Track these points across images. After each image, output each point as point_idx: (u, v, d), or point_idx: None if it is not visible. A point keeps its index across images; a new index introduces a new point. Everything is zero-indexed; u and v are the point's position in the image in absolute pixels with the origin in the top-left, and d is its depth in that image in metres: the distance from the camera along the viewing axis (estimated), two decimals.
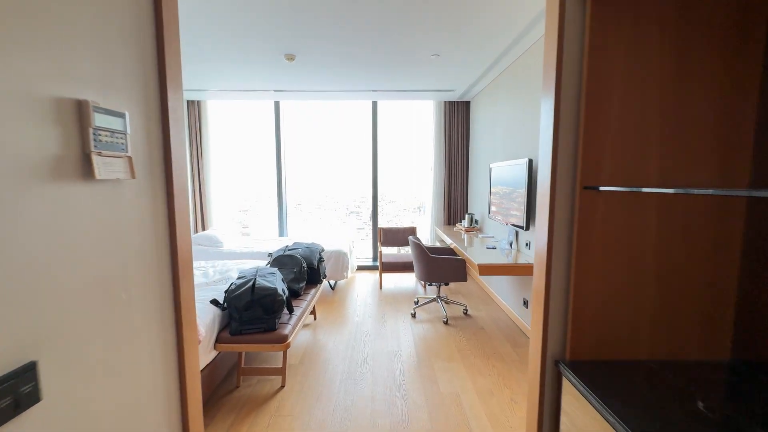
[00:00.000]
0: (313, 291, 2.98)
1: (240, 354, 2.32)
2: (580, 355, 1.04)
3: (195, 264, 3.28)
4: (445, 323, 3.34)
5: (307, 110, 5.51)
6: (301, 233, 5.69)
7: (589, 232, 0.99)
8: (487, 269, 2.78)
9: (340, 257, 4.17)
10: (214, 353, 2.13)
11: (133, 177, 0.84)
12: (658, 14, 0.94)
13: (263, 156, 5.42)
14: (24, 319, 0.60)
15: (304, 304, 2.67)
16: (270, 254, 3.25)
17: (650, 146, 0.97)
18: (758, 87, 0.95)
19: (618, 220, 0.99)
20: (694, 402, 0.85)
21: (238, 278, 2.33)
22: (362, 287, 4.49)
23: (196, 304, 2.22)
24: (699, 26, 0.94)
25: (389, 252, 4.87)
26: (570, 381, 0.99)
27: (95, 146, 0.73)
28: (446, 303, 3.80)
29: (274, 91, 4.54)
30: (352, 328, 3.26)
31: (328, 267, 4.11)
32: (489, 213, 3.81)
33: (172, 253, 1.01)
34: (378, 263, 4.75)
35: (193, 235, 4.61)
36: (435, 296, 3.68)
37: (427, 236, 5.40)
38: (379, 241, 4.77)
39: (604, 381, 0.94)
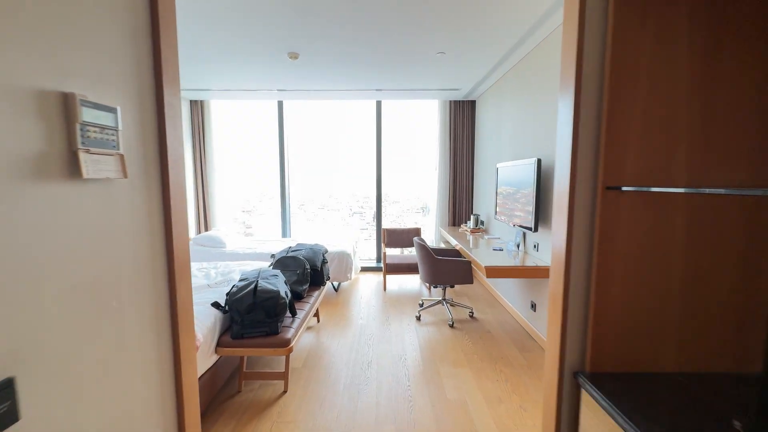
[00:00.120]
0: (316, 293, 2.93)
1: (242, 358, 2.27)
2: (601, 367, 0.97)
3: (197, 265, 3.24)
4: (451, 326, 3.27)
5: (310, 110, 5.46)
6: (305, 234, 5.64)
7: (612, 234, 0.93)
8: (495, 272, 2.72)
9: (344, 258, 4.12)
10: (215, 357, 2.08)
11: (125, 176, 0.78)
12: (688, 2, 0.88)
13: (267, 156, 5.39)
14: (0, 331, 0.55)
15: (307, 306, 2.62)
16: (273, 255, 3.20)
17: (678, 144, 0.91)
18: None
19: (642, 222, 0.93)
20: (728, 420, 0.78)
21: (240, 280, 2.28)
22: (366, 289, 4.43)
23: (197, 307, 2.18)
24: (732, 16, 0.88)
25: (393, 253, 4.81)
26: (590, 394, 0.92)
27: (83, 143, 0.68)
28: (451, 305, 3.73)
29: (278, 90, 4.50)
30: (356, 330, 3.21)
31: (331, 268, 4.05)
32: (495, 214, 3.75)
33: (169, 256, 0.95)
34: (382, 264, 4.70)
35: (195, 236, 4.58)
36: (440, 299, 3.62)
37: (431, 237, 5.34)
38: (383, 242, 4.71)
39: (627, 395, 0.87)
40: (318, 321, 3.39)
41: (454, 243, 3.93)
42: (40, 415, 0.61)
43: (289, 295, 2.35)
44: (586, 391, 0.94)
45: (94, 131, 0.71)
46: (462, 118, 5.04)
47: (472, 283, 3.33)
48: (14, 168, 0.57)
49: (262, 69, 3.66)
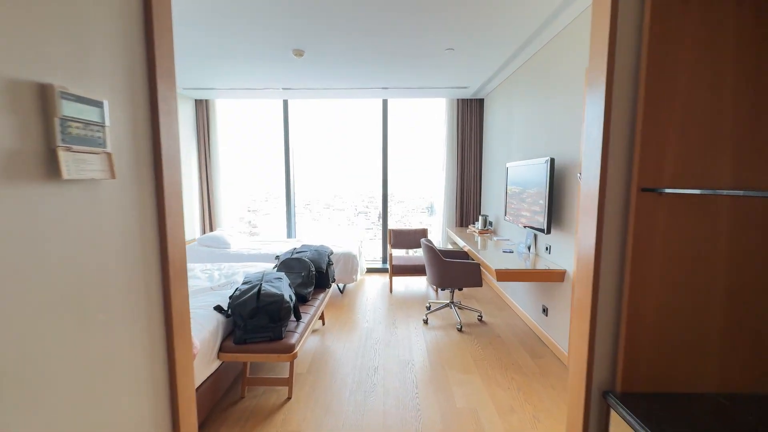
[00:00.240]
0: (321, 296, 2.86)
1: (245, 363, 2.21)
2: (635, 386, 0.88)
3: (200, 266, 3.19)
4: (459, 330, 3.19)
5: (315, 109, 5.40)
6: (310, 234, 5.59)
7: (647, 240, 0.84)
8: (506, 275, 2.63)
9: (350, 260, 4.05)
10: (217, 363, 2.02)
11: (113, 176, 0.71)
12: None
13: (272, 156, 5.33)
14: None
15: (312, 310, 2.55)
16: (277, 257, 3.14)
17: (723, 142, 0.82)
18: None
19: (681, 227, 0.84)
20: None
21: (243, 283, 2.22)
22: (372, 290, 4.36)
23: (199, 310, 2.12)
24: None
25: (399, 254, 4.73)
26: (623, 417, 0.84)
27: (63, 140, 0.61)
28: (460, 309, 3.64)
29: (283, 89, 4.44)
30: (362, 334, 3.13)
31: (337, 270, 3.99)
32: (505, 215, 3.65)
33: (163, 262, 0.89)
34: (388, 265, 4.62)
35: (199, 236, 4.54)
36: (448, 302, 3.53)
37: (438, 238, 5.25)
38: (389, 243, 4.63)
39: (664, 419, 0.79)
40: (323, 324, 3.32)
41: (462, 244, 3.84)
42: None
43: (294, 298, 2.28)
44: (617, 413, 0.85)
45: (77, 127, 0.64)
46: (470, 117, 4.94)
47: (481, 286, 3.24)
48: None
49: (267, 67, 3.60)
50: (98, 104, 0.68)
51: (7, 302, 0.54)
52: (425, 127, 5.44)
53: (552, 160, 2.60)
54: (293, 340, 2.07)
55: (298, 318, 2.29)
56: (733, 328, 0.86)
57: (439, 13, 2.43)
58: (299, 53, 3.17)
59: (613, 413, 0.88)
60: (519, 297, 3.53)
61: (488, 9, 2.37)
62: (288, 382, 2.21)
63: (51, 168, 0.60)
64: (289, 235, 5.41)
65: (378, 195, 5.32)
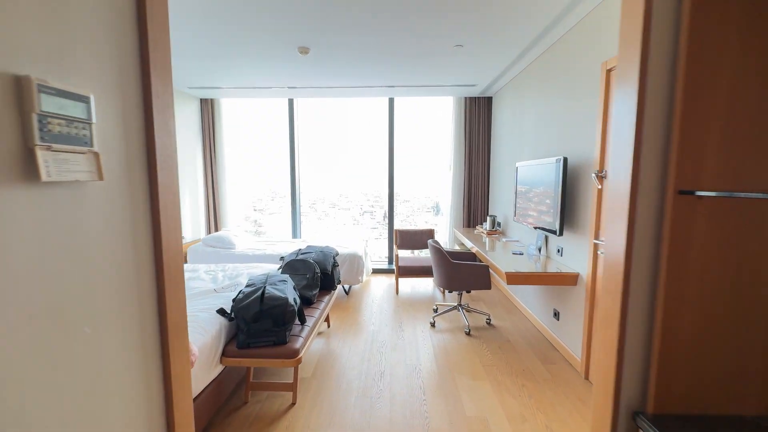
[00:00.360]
0: (326, 298, 2.80)
1: (248, 368, 2.16)
2: (668, 407, 0.81)
3: (204, 267, 3.15)
4: (467, 334, 3.11)
5: (321, 108, 5.35)
6: (315, 234, 5.54)
7: (684, 247, 0.77)
8: (516, 278, 2.54)
9: (355, 261, 3.99)
10: (220, 368, 1.97)
11: (101, 178, 0.66)
12: None
13: (277, 155, 5.29)
14: None
15: (317, 313, 2.49)
16: (282, 258, 3.09)
17: None
18: None
19: (723, 233, 0.76)
20: None
21: (247, 286, 2.17)
22: (378, 292, 4.30)
23: (202, 314, 2.07)
24: None
25: (405, 255, 4.66)
26: None
27: (42, 138, 0.55)
28: (467, 311, 3.57)
29: (288, 88, 4.39)
30: (368, 337, 3.07)
31: (342, 271, 3.93)
32: (514, 215, 3.56)
33: (158, 269, 0.83)
34: (394, 266, 4.55)
35: (204, 237, 4.52)
36: (456, 304, 3.46)
37: (444, 239, 5.17)
38: (395, 244, 4.56)
39: None
40: (328, 326, 3.26)
41: (470, 245, 3.76)
42: None
43: (298, 301, 2.22)
44: None
45: (59, 124, 0.58)
46: (478, 116, 4.85)
47: (489, 288, 3.16)
48: None
49: (272, 65, 3.55)
50: (84, 99, 0.62)
51: None
52: (432, 125, 5.36)
53: (565, 160, 2.52)
54: (297, 345, 2.02)
55: (303, 321, 2.23)
56: None
57: (449, 8, 2.35)
58: (305, 51, 3.11)
59: None
60: (528, 300, 3.44)
61: (500, 3, 2.29)
62: (292, 387, 2.15)
63: (28, 169, 0.54)
64: (294, 235, 5.37)
65: (384, 194, 5.25)
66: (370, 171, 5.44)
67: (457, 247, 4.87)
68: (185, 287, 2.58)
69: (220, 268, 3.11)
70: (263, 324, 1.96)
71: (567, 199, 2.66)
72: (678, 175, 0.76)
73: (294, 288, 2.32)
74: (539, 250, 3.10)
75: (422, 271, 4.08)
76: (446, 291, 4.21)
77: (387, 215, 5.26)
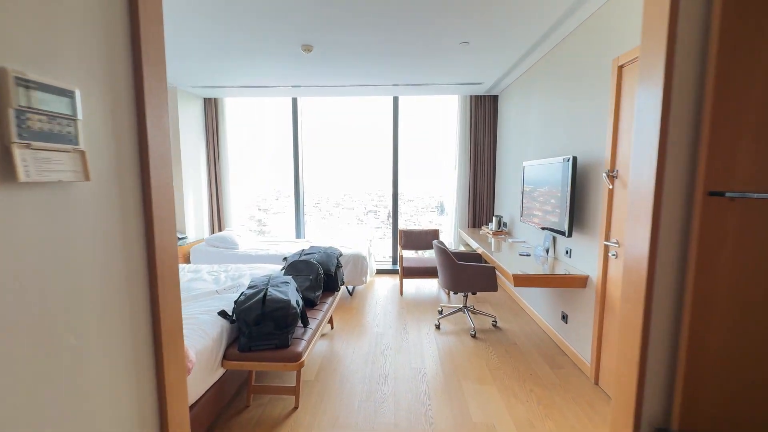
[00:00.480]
0: (330, 299, 2.76)
1: (251, 371, 2.12)
2: (694, 424, 0.75)
3: (207, 268, 3.12)
4: (473, 336, 3.05)
5: (325, 107, 5.31)
6: (318, 234, 5.51)
7: (714, 252, 0.71)
8: (524, 280, 2.48)
9: (359, 261, 3.95)
10: (221, 371, 1.93)
11: (88, 178, 0.61)
12: None
13: (281, 155, 5.26)
14: None
15: (320, 315, 2.45)
16: (285, 258, 3.05)
17: None
18: None
19: (757, 237, 0.70)
20: None
21: (249, 288, 2.13)
22: (382, 293, 4.25)
23: (203, 316, 2.04)
24: None
25: (410, 256, 4.61)
26: None
27: (20, 135, 0.51)
28: (473, 313, 3.51)
29: (292, 87, 4.35)
30: (372, 339, 3.03)
31: (346, 271, 3.89)
32: (521, 215, 3.50)
33: (151, 273, 0.79)
34: (398, 267, 4.51)
35: (207, 237, 4.50)
36: (461, 306, 3.40)
37: (449, 239, 5.11)
38: (399, 244, 4.51)
39: None
40: (332, 328, 3.22)
41: (475, 246, 3.70)
42: None
43: (301, 303, 2.18)
44: None
45: (39, 120, 0.54)
46: (483, 114, 4.78)
47: (496, 290, 3.10)
48: None
49: (276, 64, 3.51)
50: (68, 94, 0.58)
51: None
52: (437, 124, 5.30)
53: (574, 159, 2.45)
54: (300, 348, 1.97)
55: (306, 324, 2.19)
56: None
57: (455, 4, 2.30)
58: (308, 48, 3.07)
59: None
60: (535, 302, 3.38)
61: None
62: (295, 390, 2.11)
63: (4, 169, 0.50)
64: (298, 235, 5.34)
65: (387, 194, 5.20)
66: (374, 170, 5.40)
67: (462, 248, 4.81)
68: (187, 288, 2.56)
69: (223, 269, 3.08)
70: (265, 327, 1.92)
71: (576, 200, 2.59)
72: (708, 175, 0.70)
73: (297, 290, 2.28)
74: (547, 251, 3.03)
75: (427, 272, 4.02)
76: (451, 292, 4.16)
77: (391, 215, 5.20)
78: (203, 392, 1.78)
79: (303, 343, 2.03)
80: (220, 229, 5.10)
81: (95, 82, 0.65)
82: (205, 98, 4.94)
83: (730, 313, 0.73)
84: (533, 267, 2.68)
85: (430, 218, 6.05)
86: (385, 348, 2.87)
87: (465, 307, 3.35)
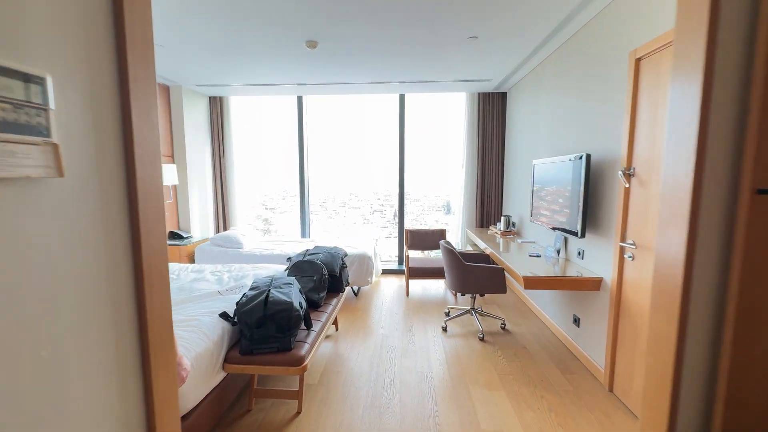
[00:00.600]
0: (334, 301, 2.70)
1: (253, 374, 2.07)
2: None
3: (211, 268, 3.09)
4: (481, 339, 2.97)
5: (330, 106, 5.25)
6: (324, 234, 5.46)
7: (762, 254, 0.63)
8: (534, 282, 2.40)
9: (364, 261, 3.88)
10: (222, 375, 1.88)
11: (61, 174, 0.56)
12: None
13: (287, 154, 5.22)
14: None
15: (324, 317, 2.39)
16: (289, 259, 3.00)
17: None
18: None
19: None
20: None
21: (251, 289, 2.08)
22: (388, 293, 4.18)
23: (205, 317, 1.99)
24: None
25: (416, 256, 4.54)
26: None
27: None
28: (481, 315, 3.43)
29: (297, 85, 4.30)
30: (377, 341, 2.96)
31: (351, 272, 3.83)
32: (531, 215, 3.40)
33: (137, 277, 0.73)
34: (404, 267, 4.43)
35: (211, 236, 4.47)
36: (468, 308, 3.32)
37: (456, 239, 5.02)
38: (406, 244, 4.44)
39: None
40: (336, 329, 3.17)
41: (483, 246, 3.62)
42: None
43: (304, 305, 2.12)
44: None
45: (3, 109, 0.48)
46: (492, 112, 4.68)
47: (505, 292, 3.02)
48: None
49: (280, 61, 3.46)
50: (37, 80, 0.52)
51: None
52: (444, 122, 5.22)
53: (588, 156, 2.35)
54: (303, 352, 1.92)
55: (309, 327, 2.13)
56: None
57: None
58: (312, 45, 3.01)
59: None
60: (546, 304, 3.28)
61: None
62: (298, 395, 2.06)
63: None
64: (303, 234, 5.29)
65: (394, 193, 5.13)
66: (381, 169, 5.33)
67: (469, 248, 4.73)
68: (190, 289, 2.51)
69: (226, 269, 3.04)
70: (267, 329, 1.87)
71: (590, 199, 2.50)
72: (756, 171, 0.62)
73: (300, 291, 2.22)
74: (558, 252, 2.94)
75: (433, 273, 3.95)
76: (458, 294, 4.08)
77: (397, 214, 5.13)
78: (204, 396, 1.73)
79: (306, 346, 1.97)
80: (225, 229, 5.08)
81: (71, 68, 0.59)
82: (210, 97, 4.91)
83: None
84: (544, 268, 2.59)
85: (437, 218, 5.98)
86: (391, 350, 2.80)
87: (473, 309, 3.27)
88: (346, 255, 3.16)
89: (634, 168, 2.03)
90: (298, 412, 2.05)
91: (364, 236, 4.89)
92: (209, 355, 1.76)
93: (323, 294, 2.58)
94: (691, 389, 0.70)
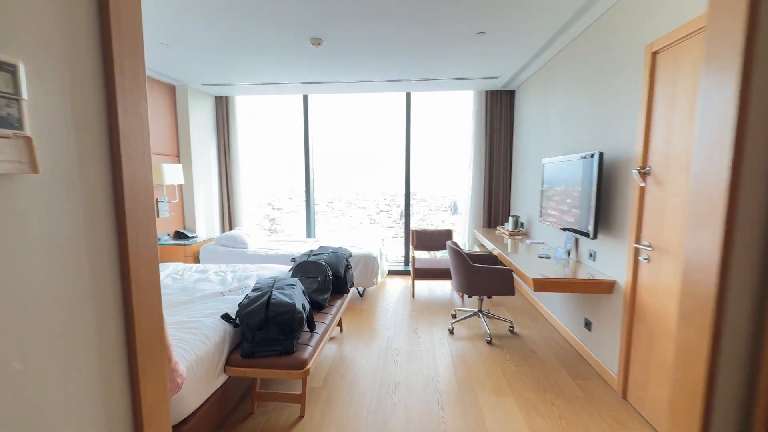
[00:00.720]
0: (338, 302, 2.65)
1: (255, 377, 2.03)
2: None
3: (215, 268, 3.06)
4: (489, 343, 2.90)
5: (336, 105, 5.22)
6: (329, 233, 5.43)
7: None
8: (544, 285, 2.32)
9: (370, 262, 3.83)
10: (223, 378, 1.84)
11: (35, 170, 0.51)
12: None
13: (294, 153, 5.19)
14: None
15: (328, 319, 2.34)
16: (293, 259, 2.96)
17: None
18: None
19: None
20: None
21: (253, 290, 2.04)
22: (393, 294, 4.13)
23: (206, 319, 1.95)
24: None
25: (422, 257, 4.48)
26: None
27: None
28: (488, 318, 3.35)
29: (302, 83, 4.27)
30: (382, 343, 2.91)
31: (356, 273, 3.78)
32: (540, 215, 3.32)
33: (124, 280, 0.68)
34: (410, 268, 4.38)
35: (216, 236, 4.46)
36: (476, 310, 3.25)
37: (463, 240, 4.95)
38: (412, 245, 4.38)
39: None
40: (341, 331, 3.12)
41: (491, 247, 3.55)
42: None
43: (308, 307, 2.08)
44: None
45: None
46: (499, 110, 4.60)
47: (513, 294, 2.94)
48: None
49: (285, 59, 3.42)
50: (7, 67, 0.48)
51: None
52: (451, 121, 5.15)
53: (601, 155, 2.27)
54: (306, 355, 1.87)
55: (312, 329, 2.09)
56: None
57: None
58: (317, 42, 2.97)
59: None
60: (555, 307, 3.20)
61: None
62: (301, 399, 2.01)
63: None
64: (309, 234, 5.26)
65: (400, 193, 5.08)
66: (387, 169, 5.28)
67: (476, 249, 4.65)
68: (193, 289, 2.49)
69: (230, 269, 3.01)
70: (269, 332, 1.82)
71: (603, 199, 2.41)
72: None
73: (303, 292, 2.18)
74: (568, 253, 2.85)
75: (440, 274, 3.88)
76: (465, 295, 4.00)
77: (403, 214, 5.08)
78: (204, 400, 1.69)
79: (309, 349, 1.93)
80: (231, 228, 5.07)
81: (48, 55, 0.54)
82: (216, 96, 4.91)
83: None
84: (554, 270, 2.51)
85: (443, 218, 5.91)
86: (396, 353, 2.75)
87: (480, 311, 3.20)
88: (350, 255, 3.11)
89: (649, 166, 1.95)
90: (301, 416, 2.01)
91: (370, 236, 4.84)
92: (210, 357, 1.73)
93: (327, 295, 2.53)
94: (725, 408, 0.64)
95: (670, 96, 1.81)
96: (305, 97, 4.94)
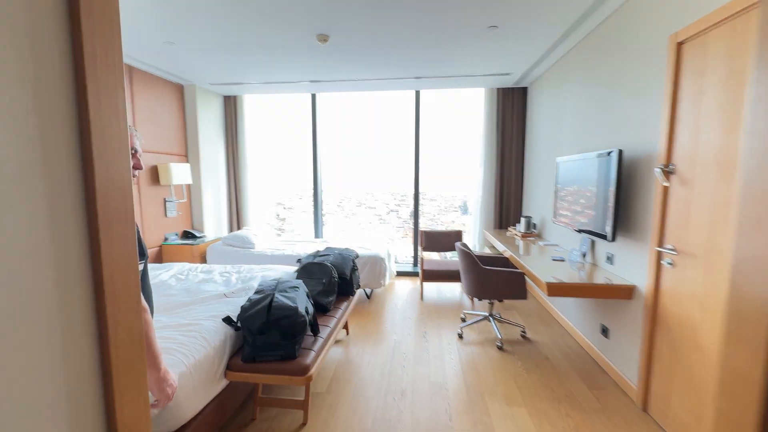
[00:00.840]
0: (344, 305, 2.59)
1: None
2: None
3: (220, 268, 3.03)
4: (500, 348, 2.80)
5: (345, 103, 5.16)
6: (337, 234, 5.37)
7: None
8: (559, 289, 2.21)
9: (377, 263, 3.76)
10: (224, 383, 1.79)
11: None
12: None
13: (303, 153, 5.15)
14: None
15: (332, 322, 2.28)
16: (299, 260, 2.91)
17: None
18: None
19: None
20: None
21: (256, 293, 1.99)
22: (401, 296, 4.04)
23: (207, 322, 1.90)
24: None
25: (431, 258, 4.38)
26: None
27: None
28: (499, 322, 3.25)
29: (310, 81, 4.22)
30: (389, 347, 2.83)
31: (364, 274, 3.71)
32: (554, 216, 3.20)
33: (97, 289, 0.62)
34: (419, 269, 4.29)
35: (223, 236, 4.44)
36: (486, 314, 3.15)
37: (473, 241, 4.83)
38: (420, 246, 4.29)
39: None
40: (347, 333, 3.05)
41: (502, 249, 3.44)
42: None
43: (311, 311, 2.02)
44: None
45: None
46: (512, 108, 4.48)
47: (525, 298, 2.83)
48: None
49: (292, 56, 3.37)
50: None
51: None
52: (461, 119, 5.04)
53: (620, 153, 2.15)
54: (308, 360, 1.81)
55: (316, 333, 2.03)
56: None
57: None
58: (324, 38, 2.91)
59: None
60: (570, 312, 3.07)
61: None
62: (303, 405, 1.95)
63: None
64: (317, 234, 5.22)
65: (410, 192, 4.99)
66: (396, 168, 5.20)
67: (487, 250, 4.53)
68: (196, 290, 2.45)
69: (235, 270, 2.98)
70: (270, 336, 1.77)
71: (622, 199, 2.29)
72: None
73: (307, 295, 2.12)
74: (584, 255, 2.73)
75: (449, 276, 3.78)
76: (475, 298, 3.90)
77: (413, 215, 4.99)
78: (204, 405, 1.64)
79: (312, 354, 1.86)
80: (238, 228, 5.06)
81: (3, 33, 0.48)
82: (224, 96, 4.90)
83: None
84: (569, 274, 2.40)
85: (453, 218, 5.81)
86: (403, 358, 2.67)
87: (490, 314, 3.10)
88: (357, 257, 3.04)
89: (674, 164, 1.82)
90: (304, 423, 1.95)
91: (378, 237, 4.77)
92: (210, 362, 1.68)
93: (332, 298, 2.47)
94: None
95: (697, 89, 1.68)
96: (313, 96, 4.89)
